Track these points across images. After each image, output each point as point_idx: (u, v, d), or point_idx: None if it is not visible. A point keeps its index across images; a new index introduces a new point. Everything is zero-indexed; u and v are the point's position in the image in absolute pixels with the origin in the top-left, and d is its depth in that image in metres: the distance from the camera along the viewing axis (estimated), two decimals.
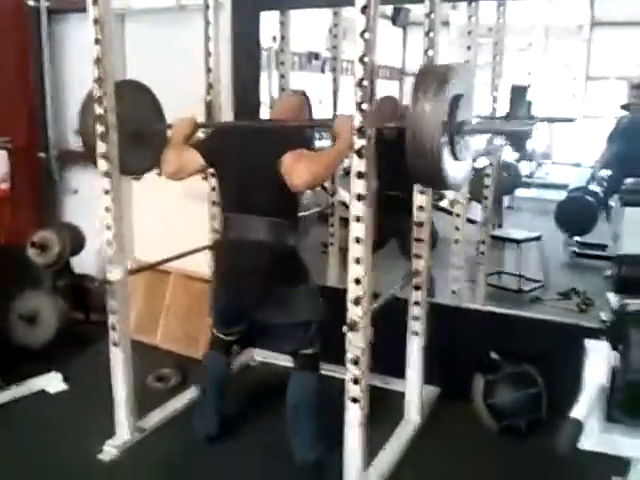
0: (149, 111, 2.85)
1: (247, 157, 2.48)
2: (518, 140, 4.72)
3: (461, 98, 2.10)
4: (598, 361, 2.16)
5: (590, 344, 2.18)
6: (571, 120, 4.46)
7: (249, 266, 2.52)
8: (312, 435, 2.64)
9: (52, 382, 3.35)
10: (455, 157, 2.14)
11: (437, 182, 2.31)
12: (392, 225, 3.22)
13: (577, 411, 1.91)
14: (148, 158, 2.84)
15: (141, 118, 2.78)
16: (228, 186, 2.61)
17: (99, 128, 2.50)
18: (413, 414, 2.99)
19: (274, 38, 3.80)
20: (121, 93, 2.59)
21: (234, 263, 2.58)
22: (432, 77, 2.06)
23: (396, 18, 6.01)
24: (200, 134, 2.84)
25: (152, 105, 2.88)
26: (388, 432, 2.86)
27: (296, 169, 2.33)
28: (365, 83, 1.97)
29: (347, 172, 4.86)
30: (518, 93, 3.91)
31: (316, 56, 5.44)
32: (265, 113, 3.54)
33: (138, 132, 2.74)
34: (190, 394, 3.17)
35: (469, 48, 3.30)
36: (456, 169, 2.21)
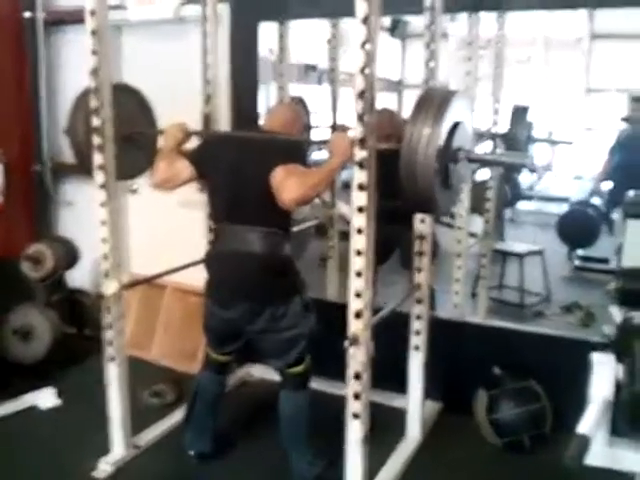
0: (139, 113, 2.83)
1: (239, 168, 2.42)
2: (516, 169, 4.72)
3: (459, 125, 2.07)
4: (604, 375, 2.14)
5: (596, 357, 2.16)
6: (569, 143, 4.47)
7: (241, 278, 2.46)
8: (308, 453, 2.61)
9: (45, 397, 3.30)
10: (447, 186, 2.11)
11: (427, 208, 2.33)
12: (393, 237, 3.17)
13: (584, 426, 1.89)
14: (139, 162, 2.82)
15: (130, 120, 2.74)
16: (219, 197, 2.54)
17: (96, 140, 2.48)
18: (415, 430, 2.95)
19: (271, 50, 3.79)
20: (117, 96, 2.55)
21: (225, 275, 2.52)
22: (433, 101, 2.04)
23: (394, 30, 6.03)
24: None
25: (141, 107, 2.85)
26: (389, 449, 2.82)
27: (286, 186, 2.26)
28: (366, 95, 1.95)
29: (346, 185, 4.84)
30: (519, 114, 3.90)
31: (313, 68, 5.44)
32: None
33: (128, 135, 2.70)
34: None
35: (470, 59, 3.29)
36: (447, 197, 2.19)
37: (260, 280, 2.44)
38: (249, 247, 2.42)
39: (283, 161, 2.32)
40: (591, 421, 1.94)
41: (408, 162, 2.00)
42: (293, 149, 2.47)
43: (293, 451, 2.62)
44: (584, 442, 1.82)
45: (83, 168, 2.64)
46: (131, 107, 2.79)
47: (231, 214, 2.47)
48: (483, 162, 2.57)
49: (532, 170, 5.50)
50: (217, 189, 2.55)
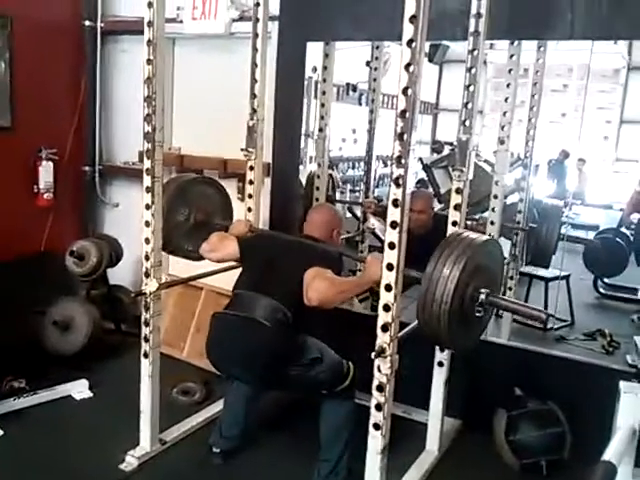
0: (219, 205, 3.26)
1: (275, 260, 2.63)
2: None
3: (481, 269, 2.18)
4: (631, 404, 2.11)
5: (623, 386, 2.14)
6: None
7: (246, 343, 2.51)
8: (336, 461, 2.63)
9: (78, 388, 3.40)
10: (467, 326, 2.23)
11: (442, 345, 2.61)
12: None
13: (609, 454, 1.82)
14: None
15: (211, 210, 3.20)
16: (247, 277, 2.71)
17: (145, 145, 2.58)
18: (433, 445, 2.98)
19: (314, 68, 3.88)
20: (204, 188, 3.18)
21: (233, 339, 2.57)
22: (454, 246, 2.17)
23: (433, 55, 6.07)
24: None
25: (224, 203, 3.28)
26: (408, 462, 2.85)
27: (315, 285, 2.43)
28: (407, 114, 2.01)
29: (378, 200, 4.88)
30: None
31: (354, 88, 5.50)
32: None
33: (206, 221, 3.15)
34: (214, 409, 3.20)
35: (508, 86, 3.37)
36: (467, 334, 2.31)
37: (265, 347, 2.48)
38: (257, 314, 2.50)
39: (318, 264, 2.49)
40: (618, 449, 1.89)
41: (425, 297, 2.13)
42: (330, 257, 2.63)
43: (325, 455, 2.64)
44: (610, 470, 1.75)
45: None
46: (214, 199, 3.24)
47: (254, 290, 2.59)
48: (503, 309, 2.65)
49: (561, 198, 5.48)
50: (248, 272, 2.73)
